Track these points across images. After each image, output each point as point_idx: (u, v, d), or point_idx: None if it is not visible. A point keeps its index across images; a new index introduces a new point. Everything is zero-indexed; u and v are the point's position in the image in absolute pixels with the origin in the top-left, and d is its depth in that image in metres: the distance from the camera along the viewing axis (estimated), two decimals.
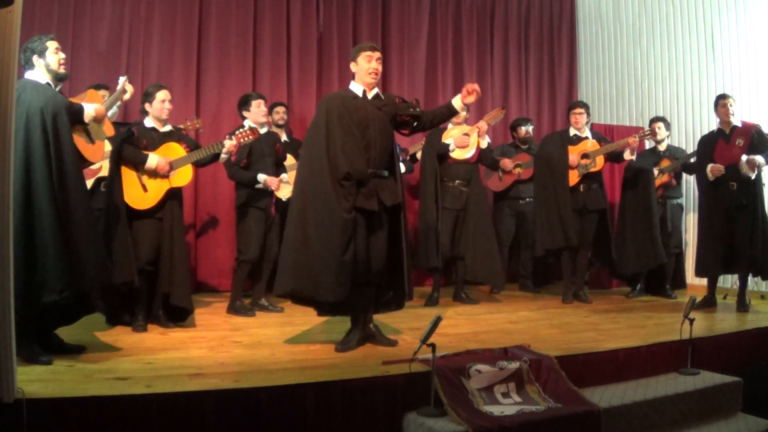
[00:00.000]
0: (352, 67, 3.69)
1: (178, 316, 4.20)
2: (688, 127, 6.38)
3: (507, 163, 6.03)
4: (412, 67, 6.91)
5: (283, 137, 5.46)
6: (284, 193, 4.85)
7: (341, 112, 3.57)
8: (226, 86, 6.07)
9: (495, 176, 6.16)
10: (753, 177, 4.88)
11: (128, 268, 3.90)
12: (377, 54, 3.66)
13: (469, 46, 7.21)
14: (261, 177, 4.70)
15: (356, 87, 3.69)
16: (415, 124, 3.78)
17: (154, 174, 4.10)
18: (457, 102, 3.74)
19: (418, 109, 3.75)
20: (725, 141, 5.03)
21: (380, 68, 3.68)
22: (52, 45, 3.34)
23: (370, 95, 3.67)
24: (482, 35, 7.33)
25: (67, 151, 3.14)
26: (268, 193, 4.76)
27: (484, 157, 5.45)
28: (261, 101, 4.88)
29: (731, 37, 6.03)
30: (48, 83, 3.31)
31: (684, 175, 5.89)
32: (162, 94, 4.20)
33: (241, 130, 4.43)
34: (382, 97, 3.73)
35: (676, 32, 6.55)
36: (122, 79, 4.01)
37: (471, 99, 3.69)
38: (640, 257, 5.63)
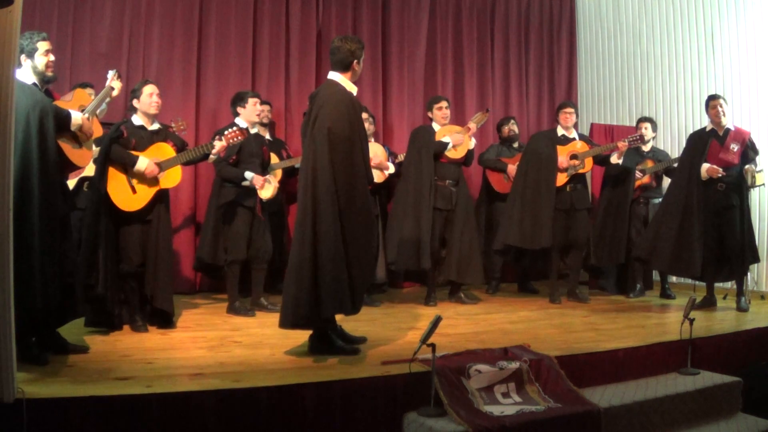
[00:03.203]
0: (356, 66, 3.47)
1: (161, 318, 4.17)
2: (688, 127, 6.37)
3: (514, 170, 6.03)
4: (412, 67, 6.91)
5: (266, 136, 5.48)
6: (266, 193, 4.80)
7: (357, 113, 3.45)
8: (225, 86, 6.06)
9: (501, 177, 6.15)
10: (752, 186, 4.92)
11: (94, 272, 3.82)
12: None
13: (469, 46, 7.21)
14: (249, 174, 4.69)
15: (352, 88, 3.51)
16: None
17: (143, 175, 4.07)
18: None
19: None
20: (719, 143, 5.03)
21: None
22: (42, 46, 3.25)
23: None
24: (482, 35, 7.33)
25: (51, 155, 3.08)
26: (254, 191, 4.75)
27: (468, 157, 5.43)
28: (257, 100, 4.89)
29: (731, 37, 6.03)
30: (35, 83, 3.24)
31: (664, 177, 5.90)
32: (149, 89, 4.15)
33: (230, 130, 4.42)
34: None
35: (676, 32, 6.55)
36: (111, 74, 3.92)
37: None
38: (610, 253, 5.70)
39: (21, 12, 2.54)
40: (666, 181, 5.97)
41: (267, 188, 4.79)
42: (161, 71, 5.83)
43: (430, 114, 5.53)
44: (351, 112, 3.37)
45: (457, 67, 7.15)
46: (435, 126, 5.44)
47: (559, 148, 5.47)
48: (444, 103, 5.48)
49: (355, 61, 3.47)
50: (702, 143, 5.10)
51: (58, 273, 3.03)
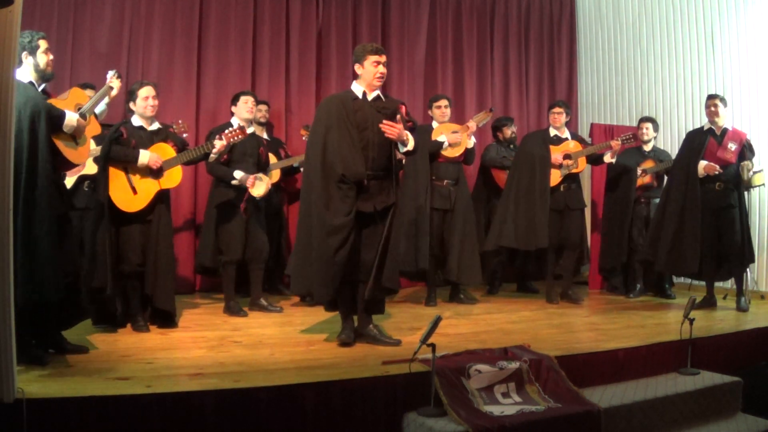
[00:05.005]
0: (357, 69, 3.69)
1: (163, 318, 4.18)
2: (688, 127, 6.34)
3: None
4: (412, 67, 6.91)
5: (264, 135, 5.48)
6: (258, 191, 4.73)
7: (340, 114, 3.60)
8: (225, 86, 6.06)
9: (506, 175, 6.12)
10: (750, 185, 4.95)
11: (103, 274, 3.84)
12: (384, 58, 3.67)
13: (469, 46, 7.20)
14: (237, 174, 4.68)
15: (357, 88, 3.71)
16: None
17: (144, 174, 4.07)
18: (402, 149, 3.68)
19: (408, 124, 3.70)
20: (716, 141, 5.03)
21: (386, 71, 3.70)
22: (43, 44, 3.29)
23: (370, 96, 3.69)
24: (482, 35, 7.32)
25: (42, 154, 3.02)
26: (245, 190, 4.72)
27: (468, 156, 5.42)
28: (249, 98, 4.90)
29: (731, 37, 6.03)
30: (31, 82, 3.25)
31: (666, 177, 5.90)
32: (145, 91, 4.15)
33: (230, 129, 4.44)
34: (383, 99, 3.74)
35: (676, 32, 6.54)
36: (110, 74, 3.94)
37: (391, 134, 3.55)
38: (616, 254, 5.75)
39: (21, 12, 2.54)
40: (666, 180, 5.98)
41: (258, 186, 4.73)
42: (161, 71, 5.83)
43: (430, 112, 5.53)
44: (327, 114, 3.64)
45: (457, 67, 7.14)
46: (434, 124, 5.43)
47: (551, 148, 5.46)
48: (443, 102, 5.46)
49: (357, 64, 3.69)
50: (699, 141, 5.11)
51: (58, 272, 3.01)
